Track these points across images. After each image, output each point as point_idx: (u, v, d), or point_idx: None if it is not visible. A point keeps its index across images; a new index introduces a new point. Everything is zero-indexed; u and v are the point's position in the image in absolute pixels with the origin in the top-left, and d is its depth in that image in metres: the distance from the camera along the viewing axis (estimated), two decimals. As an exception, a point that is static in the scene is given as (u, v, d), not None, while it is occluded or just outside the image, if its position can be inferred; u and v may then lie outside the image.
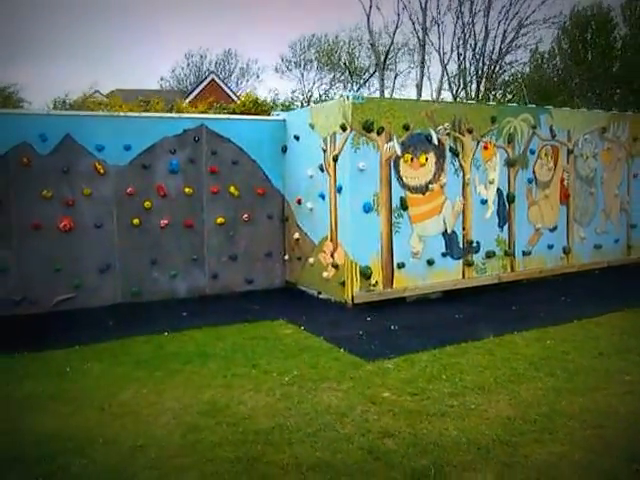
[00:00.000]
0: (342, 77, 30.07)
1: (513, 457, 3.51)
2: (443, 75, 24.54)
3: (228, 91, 23.71)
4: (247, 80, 36.72)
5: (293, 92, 27.71)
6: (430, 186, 7.82)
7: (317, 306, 7.66)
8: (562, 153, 9.09)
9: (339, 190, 7.45)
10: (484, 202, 8.32)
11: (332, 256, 7.70)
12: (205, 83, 23.35)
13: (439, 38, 25.06)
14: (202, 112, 10.65)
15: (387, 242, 7.56)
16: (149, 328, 6.48)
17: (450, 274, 8.11)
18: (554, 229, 9.10)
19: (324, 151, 7.69)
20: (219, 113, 11.08)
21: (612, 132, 9.57)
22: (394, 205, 7.56)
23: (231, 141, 8.30)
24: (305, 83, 31.14)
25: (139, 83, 29.16)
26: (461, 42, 24.31)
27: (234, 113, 11.02)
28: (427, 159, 7.78)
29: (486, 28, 24.25)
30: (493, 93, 24.13)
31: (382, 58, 25.21)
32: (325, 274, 7.81)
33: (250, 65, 36.83)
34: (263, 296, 8.30)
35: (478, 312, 7.19)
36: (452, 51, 24.52)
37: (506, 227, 8.60)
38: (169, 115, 8.72)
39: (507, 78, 24.92)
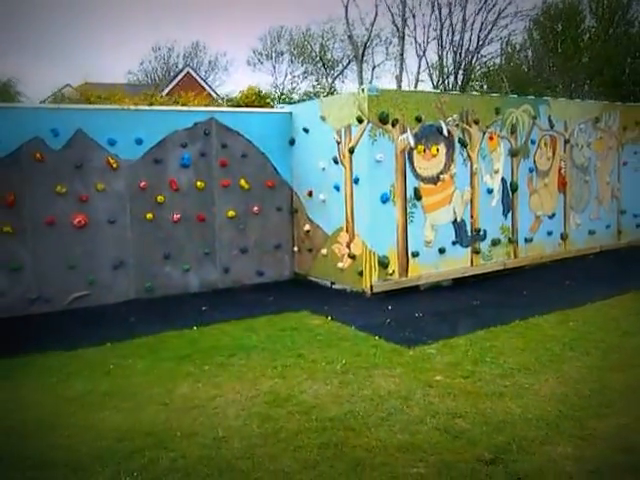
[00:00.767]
0: (314, 69, 30.02)
1: (583, 430, 3.70)
2: (420, 66, 24.93)
3: (203, 84, 23.38)
4: (216, 73, 36.31)
5: (275, 86, 27.46)
6: (441, 176, 7.99)
7: (334, 296, 7.74)
8: (559, 143, 9.42)
9: (356, 181, 7.53)
10: (490, 191, 8.56)
11: (348, 247, 7.79)
12: (180, 76, 22.96)
13: (414, 29, 25.33)
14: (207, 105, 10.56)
15: (402, 232, 7.71)
16: (175, 323, 6.44)
17: (459, 262, 8.33)
18: (553, 216, 9.43)
19: (338, 143, 7.75)
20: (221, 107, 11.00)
21: (604, 122, 9.97)
22: (408, 195, 7.71)
23: (240, 134, 8.26)
24: (277, 75, 30.97)
25: (104, 77, 28.49)
26: (438, 34, 24.69)
27: (239, 106, 10.95)
28: (438, 150, 7.94)
29: (464, 20, 24.72)
30: (471, 85, 24.63)
31: (360, 50, 25.28)
32: (340, 264, 7.89)
33: (219, 58, 36.43)
34: (274, 288, 8.33)
35: (493, 298, 7.41)
36: (428, 43, 24.95)
37: (510, 215, 8.87)
38: (179, 108, 8.63)
39: (484, 69, 25.45)
